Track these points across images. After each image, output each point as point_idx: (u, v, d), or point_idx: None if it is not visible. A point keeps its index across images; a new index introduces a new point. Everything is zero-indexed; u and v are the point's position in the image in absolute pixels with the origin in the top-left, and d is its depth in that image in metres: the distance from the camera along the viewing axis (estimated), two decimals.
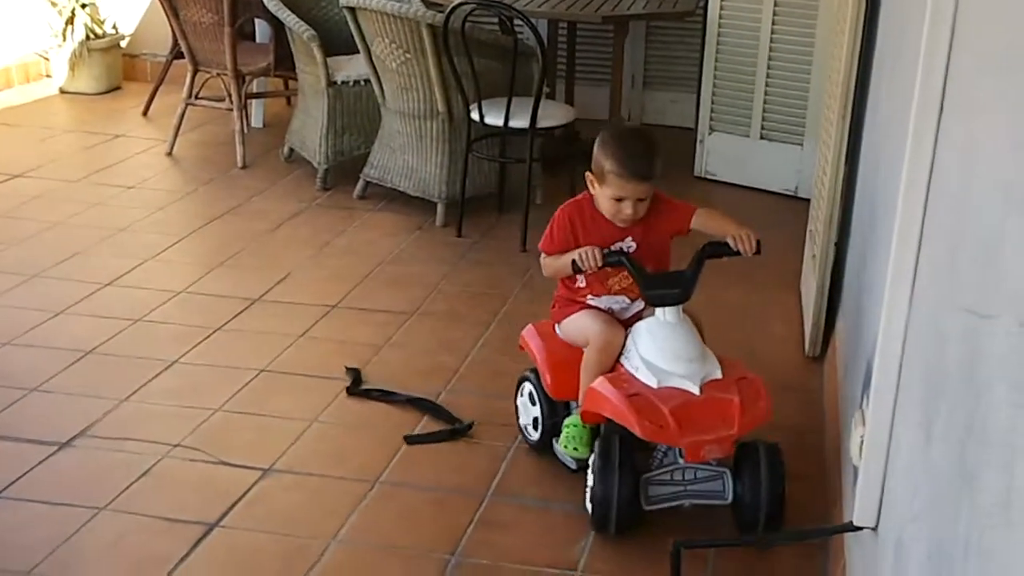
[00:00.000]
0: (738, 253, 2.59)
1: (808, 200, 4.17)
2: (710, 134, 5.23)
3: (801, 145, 4.93)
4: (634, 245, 2.66)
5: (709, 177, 5.25)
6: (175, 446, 2.90)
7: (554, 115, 4.53)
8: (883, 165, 2.63)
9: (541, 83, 4.38)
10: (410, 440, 2.96)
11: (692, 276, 2.58)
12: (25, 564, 2.41)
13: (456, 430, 3.00)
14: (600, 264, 2.57)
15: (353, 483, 2.77)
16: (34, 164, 5.15)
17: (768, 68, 4.97)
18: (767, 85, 4.99)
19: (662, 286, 2.59)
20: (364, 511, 2.67)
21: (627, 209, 2.58)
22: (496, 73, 4.48)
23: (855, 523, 2.02)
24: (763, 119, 5.05)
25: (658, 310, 2.58)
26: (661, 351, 2.54)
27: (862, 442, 2.03)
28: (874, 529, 1.98)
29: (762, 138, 5.08)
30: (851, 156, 3.45)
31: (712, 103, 5.19)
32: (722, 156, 5.21)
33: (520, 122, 4.34)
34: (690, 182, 5.19)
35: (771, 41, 4.93)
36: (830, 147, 3.39)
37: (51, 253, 4.15)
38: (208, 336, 3.53)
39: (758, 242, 2.59)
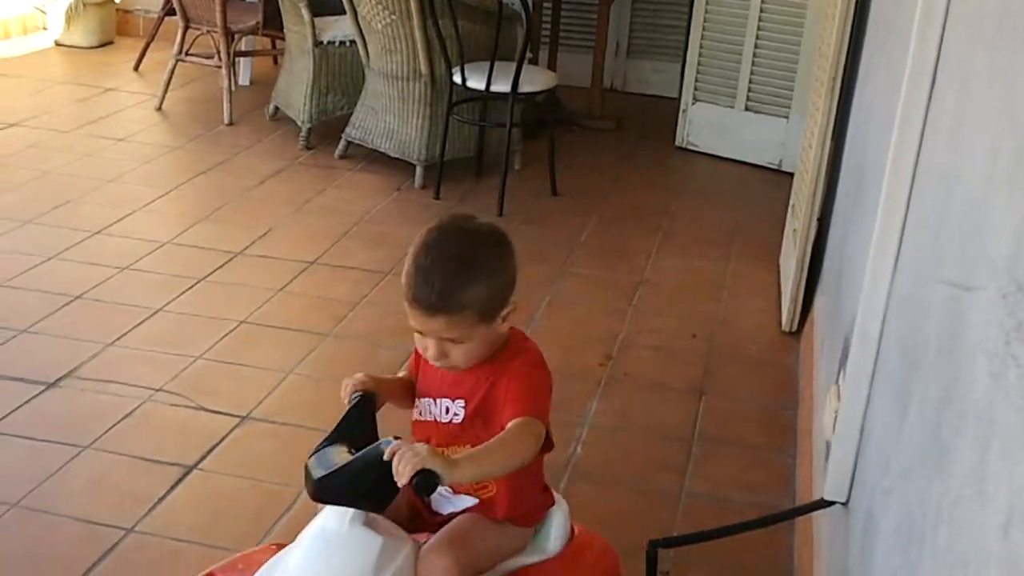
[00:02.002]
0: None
1: (791, 174, 4.10)
2: (693, 104, 5.17)
3: (787, 118, 4.84)
4: (461, 414, 1.72)
5: (691, 148, 5.22)
6: (157, 390, 2.92)
7: (536, 80, 4.53)
8: (871, 138, 2.54)
9: (524, 48, 4.36)
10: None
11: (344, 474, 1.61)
12: (11, 496, 2.44)
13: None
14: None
15: (326, 434, 2.80)
16: (28, 114, 5.11)
17: (757, 38, 4.85)
18: (755, 55, 4.88)
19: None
20: None
21: (429, 349, 1.66)
22: (480, 37, 4.47)
23: (826, 498, 1.97)
24: (749, 90, 4.95)
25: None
26: None
27: (836, 416, 1.98)
28: (845, 504, 1.94)
29: (747, 109, 4.98)
30: (838, 129, 3.33)
31: (697, 72, 5.09)
32: (705, 127, 5.14)
33: (502, 87, 4.34)
34: (671, 152, 5.23)
35: (760, 11, 4.83)
36: (817, 120, 3.29)
37: (43, 201, 4.14)
38: (192, 286, 3.55)
39: (415, 477, 1.51)
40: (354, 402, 1.73)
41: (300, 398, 2.99)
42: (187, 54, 5.32)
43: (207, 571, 1.74)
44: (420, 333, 1.66)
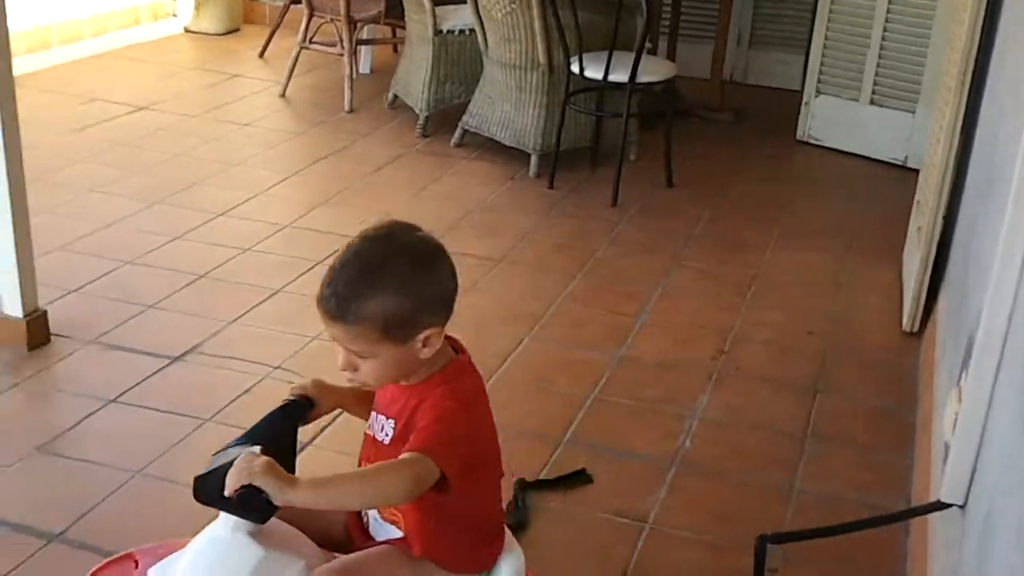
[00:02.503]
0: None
1: (916, 171, 3.99)
2: (816, 96, 5.08)
3: (914, 112, 4.71)
4: (390, 434, 1.62)
5: (812, 142, 5.12)
6: (275, 368, 3.02)
7: (654, 71, 4.50)
8: (1003, 134, 2.46)
9: (644, 38, 4.33)
10: (529, 484, 2.53)
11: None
12: (137, 464, 2.56)
13: (574, 476, 2.62)
14: None
15: None
16: (158, 98, 5.31)
17: (884, 29, 4.72)
18: (882, 47, 4.75)
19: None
20: None
21: (339, 357, 1.55)
22: (599, 26, 4.47)
23: (943, 500, 1.94)
24: (875, 83, 4.81)
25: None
26: None
27: (956, 418, 1.94)
28: (962, 507, 1.91)
29: (872, 103, 4.85)
30: (967, 125, 3.22)
31: (821, 64, 4.98)
32: (828, 120, 5.03)
33: (619, 76, 4.33)
34: (792, 146, 5.14)
35: (889, 1, 4.70)
36: (946, 114, 3.19)
37: (171, 182, 4.30)
38: (310, 268, 3.64)
39: (237, 493, 1.45)
40: (282, 404, 1.66)
41: None
42: (311, 42, 5.45)
43: (129, 551, 1.67)
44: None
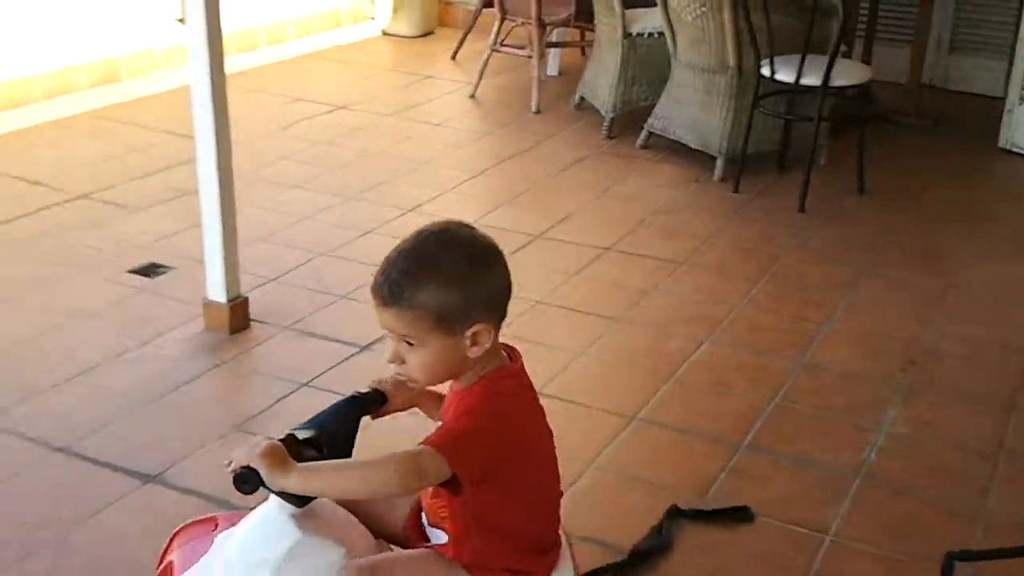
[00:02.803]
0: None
1: None
2: (1020, 104, 4.82)
3: None
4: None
5: (1015, 151, 4.86)
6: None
7: (849, 74, 4.36)
8: None
9: (839, 41, 4.21)
10: (682, 512, 2.45)
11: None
12: None
13: (734, 512, 2.48)
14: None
15: (612, 416, 2.86)
16: (355, 99, 5.52)
17: None
18: None
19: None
20: (620, 443, 2.75)
21: (388, 350, 1.56)
22: (791, 29, 4.36)
23: None
24: None
25: None
26: None
27: None
28: None
29: None
30: None
31: None
32: None
33: (812, 80, 4.22)
34: (993, 155, 4.89)
35: None
36: None
37: (365, 179, 4.47)
38: None
39: (236, 471, 1.51)
40: (354, 394, 1.65)
41: (589, 379, 3.06)
42: (502, 45, 5.55)
43: (213, 515, 1.72)
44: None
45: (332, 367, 3.03)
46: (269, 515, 1.55)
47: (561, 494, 1.69)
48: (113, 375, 2.95)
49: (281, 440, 1.51)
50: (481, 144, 5.07)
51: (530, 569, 1.60)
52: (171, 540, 1.71)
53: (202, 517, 1.74)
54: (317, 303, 3.40)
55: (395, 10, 6.69)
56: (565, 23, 5.56)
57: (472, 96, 5.61)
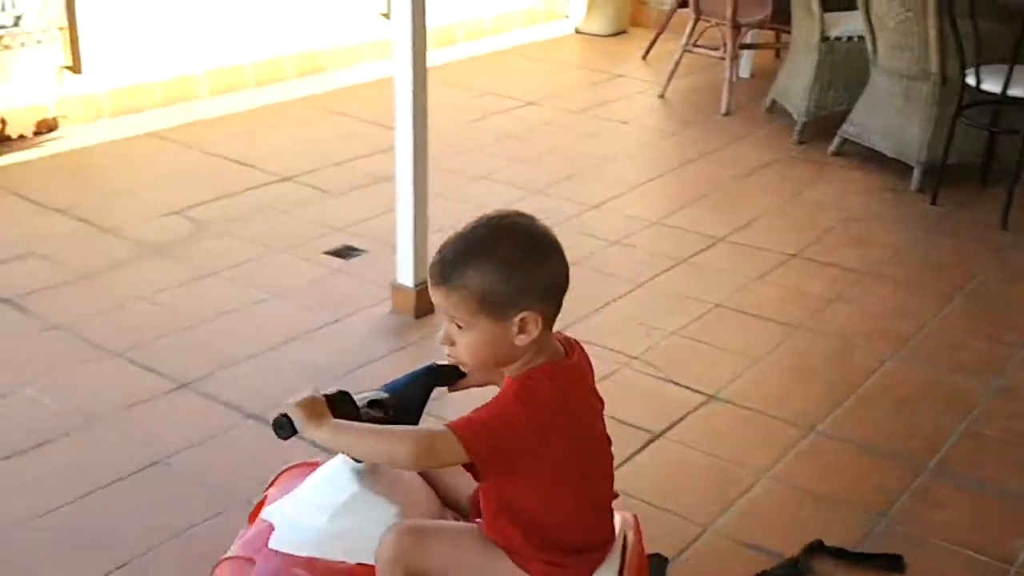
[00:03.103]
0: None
1: None
2: None
3: None
4: None
5: None
6: (633, 358, 3.08)
7: None
8: None
9: None
10: (827, 550, 2.31)
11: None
12: None
13: (885, 559, 2.31)
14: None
15: (789, 425, 2.79)
16: (546, 94, 5.58)
17: None
18: None
19: None
20: (797, 454, 2.68)
21: (440, 331, 1.58)
22: (1000, 37, 4.13)
23: None
24: None
25: None
26: None
27: None
28: None
29: None
30: None
31: None
32: None
33: (1020, 91, 3.98)
34: None
35: None
36: None
37: (551, 173, 4.51)
38: (673, 266, 3.68)
39: (275, 417, 1.55)
40: (432, 364, 1.69)
41: (767, 385, 2.99)
42: (694, 45, 5.49)
43: (293, 464, 1.80)
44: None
45: None
46: (338, 466, 1.64)
47: (611, 497, 1.66)
48: (305, 349, 3.08)
49: (328, 395, 1.57)
50: (668, 144, 5.03)
51: (563, 563, 1.59)
52: (276, 477, 1.80)
53: (308, 460, 1.81)
54: None
55: (589, 9, 6.71)
56: (760, 25, 5.45)
57: (661, 96, 5.57)
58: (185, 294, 3.37)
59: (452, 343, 1.55)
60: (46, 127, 4.69)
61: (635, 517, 1.78)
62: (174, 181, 4.27)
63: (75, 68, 4.76)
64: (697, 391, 2.93)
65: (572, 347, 1.62)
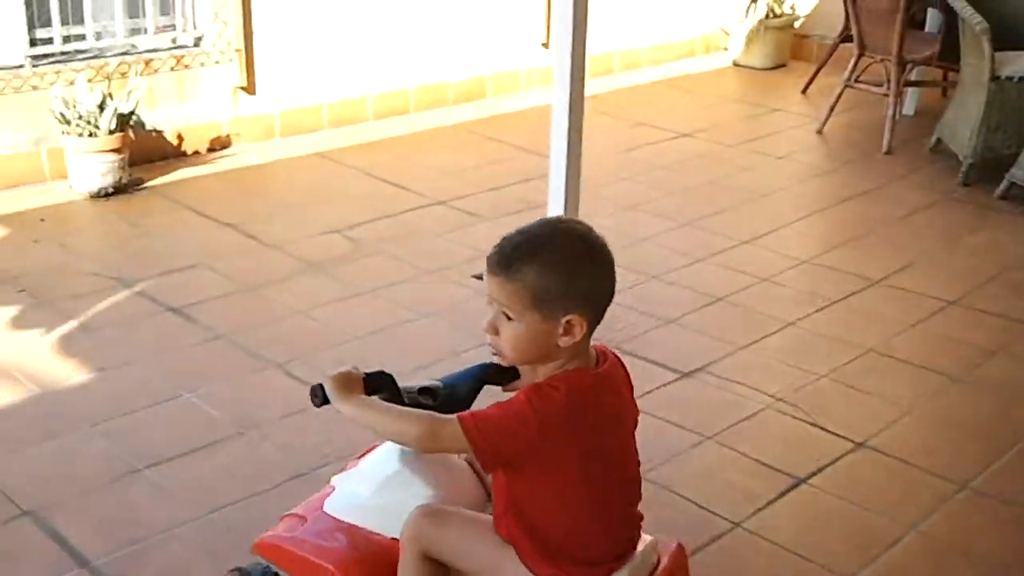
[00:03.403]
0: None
1: None
2: None
3: None
4: None
5: None
6: (778, 399, 3.01)
7: None
8: None
9: None
10: None
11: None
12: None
13: None
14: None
15: (940, 479, 2.67)
16: (700, 127, 5.52)
17: None
18: None
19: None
20: (947, 511, 2.56)
21: (488, 319, 1.61)
22: None
23: None
24: None
25: None
26: None
27: None
28: None
29: None
30: None
31: None
32: None
33: None
34: None
35: None
36: None
37: (702, 206, 4.46)
38: (825, 307, 3.57)
39: (312, 387, 1.71)
40: (490, 363, 1.72)
41: (919, 436, 2.87)
42: (856, 80, 5.34)
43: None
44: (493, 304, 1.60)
45: (653, 390, 3.05)
46: (391, 446, 1.77)
47: (629, 514, 1.68)
48: (451, 370, 3.12)
49: (368, 374, 1.70)
50: (824, 181, 4.91)
51: (570, 572, 1.61)
52: (367, 451, 1.89)
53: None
54: (644, 325, 3.43)
55: (748, 42, 6.62)
56: (927, 62, 5.27)
57: (820, 131, 5.44)
58: (340, 310, 3.48)
59: (496, 332, 1.59)
60: (220, 144, 4.94)
61: (680, 546, 1.77)
62: (336, 201, 4.42)
63: (249, 89, 5.00)
64: (844, 437, 2.83)
65: (606, 357, 1.66)
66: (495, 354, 1.64)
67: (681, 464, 2.71)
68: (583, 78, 3.09)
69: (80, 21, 4.55)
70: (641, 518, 1.71)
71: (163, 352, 3.17)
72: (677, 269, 3.85)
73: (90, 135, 4.22)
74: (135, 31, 4.73)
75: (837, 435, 2.84)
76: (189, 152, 4.83)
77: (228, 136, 4.96)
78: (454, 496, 1.72)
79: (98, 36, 4.60)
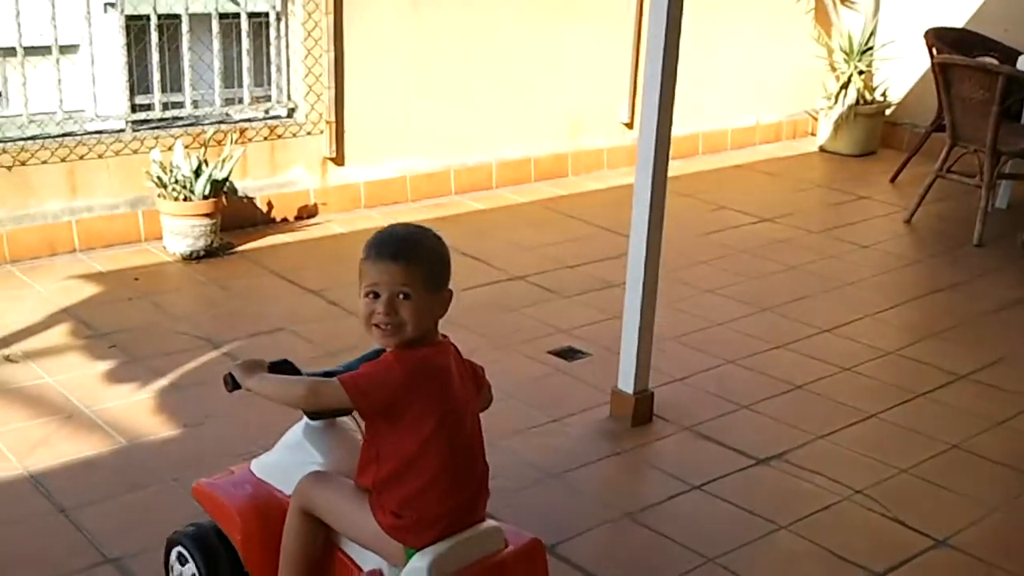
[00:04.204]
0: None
1: None
2: None
3: None
4: None
5: None
6: (857, 492, 2.98)
7: None
8: None
9: None
10: None
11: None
12: (711, 551, 2.69)
13: None
14: None
15: None
16: (784, 212, 5.55)
17: None
18: None
19: None
20: None
21: (379, 308, 1.93)
22: None
23: None
24: None
25: None
26: None
27: None
28: None
29: None
30: None
31: None
32: None
33: None
34: None
35: None
36: None
37: (782, 292, 4.47)
38: (908, 400, 3.54)
39: (225, 374, 2.11)
40: (380, 348, 2.01)
41: (1003, 537, 2.82)
42: (948, 171, 5.33)
43: None
44: (374, 295, 1.93)
45: (727, 475, 3.05)
46: (301, 423, 2.16)
47: (470, 489, 1.96)
48: (522, 445, 3.18)
49: (272, 362, 2.10)
50: (911, 272, 4.88)
51: (404, 516, 1.92)
52: None
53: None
54: (720, 409, 3.44)
55: (837, 128, 6.66)
56: (1022, 154, 5.23)
57: (908, 221, 5.42)
58: None
59: (395, 312, 1.91)
60: (307, 213, 5.12)
61: (536, 540, 2.05)
62: None
63: (338, 160, 5.19)
64: (924, 534, 2.80)
65: (446, 339, 2.02)
66: (385, 336, 1.93)
67: (754, 552, 2.70)
68: (667, 159, 3.16)
69: (179, 89, 4.80)
70: (486, 494, 2.02)
71: (245, 411, 3.27)
72: (755, 354, 3.86)
73: (185, 199, 4.43)
74: (230, 101, 4.97)
75: (917, 531, 2.81)
76: (278, 219, 5.01)
77: (315, 205, 5.14)
78: (342, 464, 2.07)
79: (195, 104, 4.84)
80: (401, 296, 1.91)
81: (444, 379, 1.94)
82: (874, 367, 3.81)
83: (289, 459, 2.13)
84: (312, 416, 2.13)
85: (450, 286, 1.99)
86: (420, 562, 1.89)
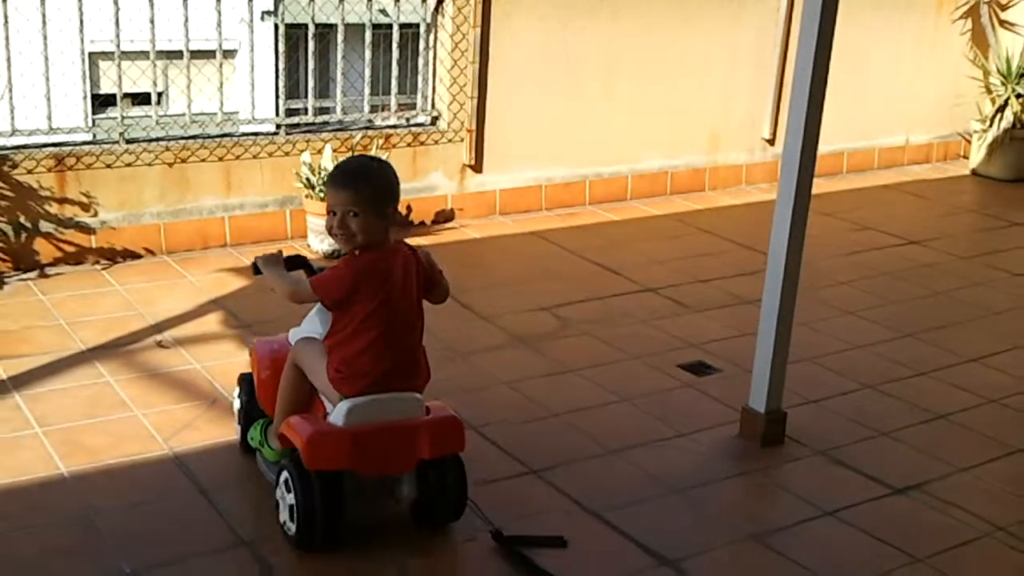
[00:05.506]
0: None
1: None
2: None
3: None
4: None
5: None
6: (999, 529, 2.81)
7: None
8: None
9: None
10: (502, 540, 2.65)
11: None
12: None
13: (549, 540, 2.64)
14: None
15: None
16: (931, 235, 5.32)
17: None
18: None
19: None
20: None
21: (334, 224, 2.54)
22: None
23: None
24: None
25: None
26: None
27: None
28: None
29: None
30: None
31: None
32: None
33: None
34: None
35: None
36: None
37: (926, 318, 4.27)
38: None
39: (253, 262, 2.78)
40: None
41: None
42: None
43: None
44: (332, 213, 2.51)
45: (861, 503, 2.92)
46: (317, 306, 2.66)
47: (405, 351, 2.56)
48: (647, 457, 3.11)
49: (288, 256, 2.74)
50: None
51: (341, 381, 2.54)
52: None
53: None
54: (856, 434, 3.30)
55: (990, 151, 6.36)
56: None
57: None
58: (544, 385, 3.53)
59: (347, 227, 2.48)
60: (444, 217, 5.16)
61: (454, 415, 2.63)
62: (547, 279, 4.52)
63: (476, 167, 5.22)
64: None
65: (401, 248, 2.57)
66: (341, 243, 2.51)
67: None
68: (811, 177, 3.05)
69: (329, 95, 4.90)
70: (422, 373, 2.62)
71: None
72: (895, 380, 3.69)
73: None
74: (376, 107, 5.05)
75: None
76: (416, 222, 5.07)
77: (452, 210, 5.19)
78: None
79: (344, 110, 4.94)
80: (352, 214, 2.49)
81: (384, 277, 2.51)
82: (1021, 400, 3.59)
83: (305, 328, 2.73)
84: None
85: (398, 207, 2.59)
86: (344, 406, 2.52)
